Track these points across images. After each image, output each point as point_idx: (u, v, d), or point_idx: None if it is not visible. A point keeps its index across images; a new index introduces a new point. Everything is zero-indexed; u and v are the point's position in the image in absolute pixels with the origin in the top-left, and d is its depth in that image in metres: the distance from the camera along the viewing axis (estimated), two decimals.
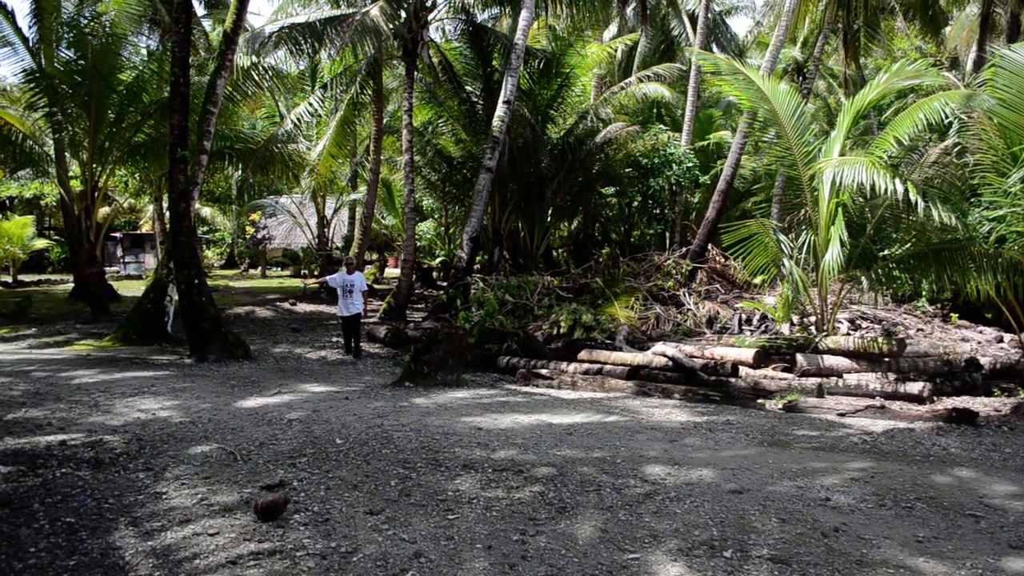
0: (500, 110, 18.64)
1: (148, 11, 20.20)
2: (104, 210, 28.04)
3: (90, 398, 9.16)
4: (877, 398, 10.44)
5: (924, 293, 16.79)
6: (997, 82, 11.23)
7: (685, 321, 15.20)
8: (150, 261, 35.01)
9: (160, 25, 22.19)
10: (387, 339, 16.15)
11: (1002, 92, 11.12)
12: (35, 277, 34.15)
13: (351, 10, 20.20)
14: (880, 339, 11.92)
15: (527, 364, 12.95)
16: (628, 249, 22.67)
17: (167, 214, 17.99)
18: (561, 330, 14.24)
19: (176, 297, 14.69)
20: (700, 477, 6.19)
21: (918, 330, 15.18)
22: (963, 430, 8.74)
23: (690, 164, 21.30)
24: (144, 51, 22.83)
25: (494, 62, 21.81)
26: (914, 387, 10.56)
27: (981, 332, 15.30)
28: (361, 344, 15.17)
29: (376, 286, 26.31)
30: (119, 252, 38.36)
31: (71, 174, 23.26)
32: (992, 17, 26.95)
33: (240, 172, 24.99)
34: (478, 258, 21.71)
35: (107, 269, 27.69)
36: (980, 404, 10.40)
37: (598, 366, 12.32)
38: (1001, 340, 14.53)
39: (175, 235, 13.80)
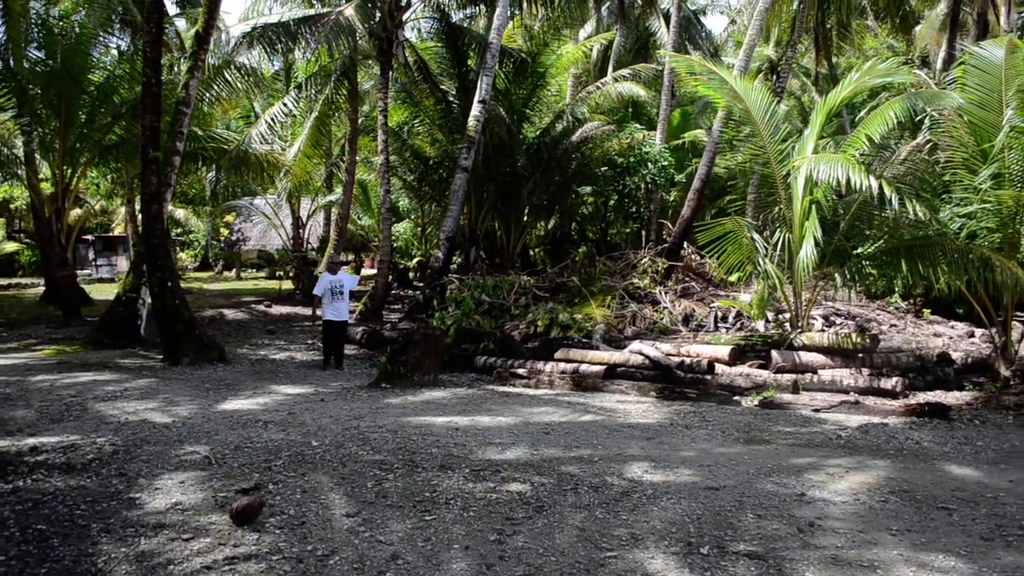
0: (475, 109, 18.61)
1: (119, 10, 19.98)
2: (75, 212, 27.69)
3: (62, 403, 9.04)
4: (851, 394, 10.52)
5: (897, 289, 16.96)
6: (967, 80, 11.40)
7: (661, 319, 15.24)
8: (122, 264, 34.66)
9: (131, 25, 21.96)
10: (363, 340, 16.09)
11: (972, 90, 11.27)
12: (5, 281, 33.72)
13: (325, 9, 20.11)
14: (854, 335, 12.02)
15: (504, 364, 12.94)
16: (604, 248, 22.71)
17: (140, 216, 17.81)
18: (538, 329, 14.23)
19: (149, 300, 14.53)
20: (677, 474, 6.22)
21: (891, 326, 15.34)
22: (936, 424, 8.84)
23: (665, 163, 21.37)
24: (115, 51, 22.62)
25: (470, 62, 21.78)
26: (888, 382, 10.65)
27: (953, 327, 15.48)
28: (344, 356, 13.99)
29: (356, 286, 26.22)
30: (91, 255, 37.98)
31: (41, 176, 22.99)
32: (960, 16, 27.31)
33: (214, 173, 24.81)
34: (455, 258, 21.67)
35: (79, 272, 27.40)
36: (952, 398, 10.53)
37: (575, 365, 12.33)
38: (972, 335, 14.72)
39: (148, 237, 13.66)
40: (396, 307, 22.89)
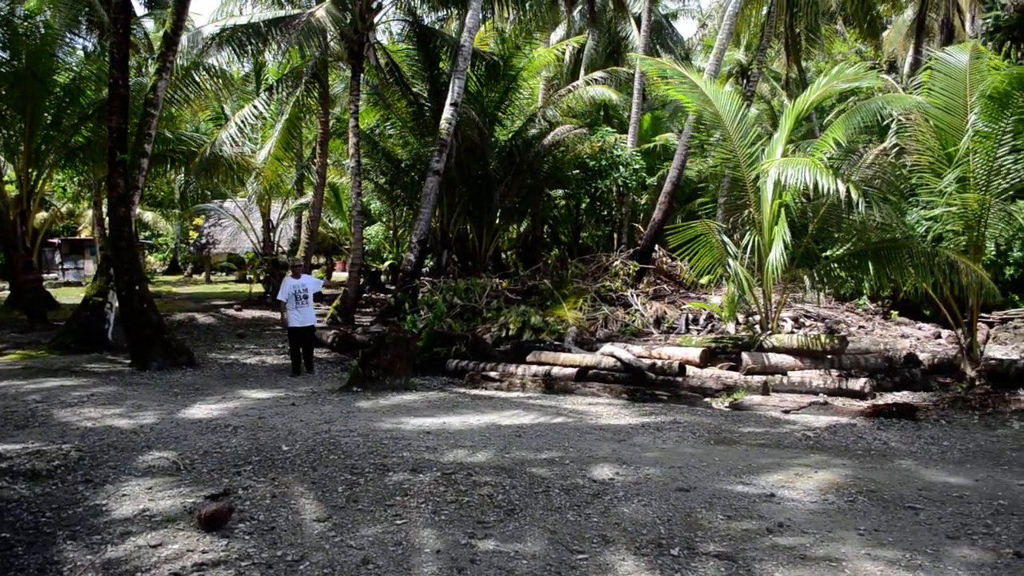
0: (447, 112, 18.58)
1: (85, 11, 19.73)
2: (41, 215, 27.30)
3: (27, 408, 8.91)
4: (820, 395, 10.64)
5: (865, 291, 17.17)
6: (933, 85, 11.54)
7: (633, 321, 15.31)
8: (89, 267, 34.24)
9: (98, 25, 21.70)
10: (335, 344, 16.00)
11: (937, 95, 11.42)
12: None
13: (296, 11, 19.99)
14: (823, 337, 12.15)
15: (476, 367, 12.92)
16: (576, 250, 22.77)
17: (107, 219, 17.60)
18: (510, 332, 14.24)
19: (116, 304, 14.34)
20: (648, 476, 6.24)
21: (860, 327, 15.52)
22: (903, 424, 8.95)
23: (637, 166, 21.47)
24: (82, 52, 22.34)
25: (442, 64, 21.74)
26: (856, 383, 10.77)
27: (920, 328, 15.69)
28: (314, 360, 13.62)
29: (324, 290, 26.06)
30: (57, 259, 37.53)
31: (6, 178, 22.65)
32: (927, 22, 27.74)
33: (183, 176, 24.57)
34: (427, 261, 21.63)
35: (45, 276, 26.97)
36: (919, 399, 10.65)
37: (547, 367, 12.35)
38: (939, 336, 14.92)
39: (115, 240, 13.50)
40: (368, 310, 22.78)
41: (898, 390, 11.25)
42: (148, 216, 40.77)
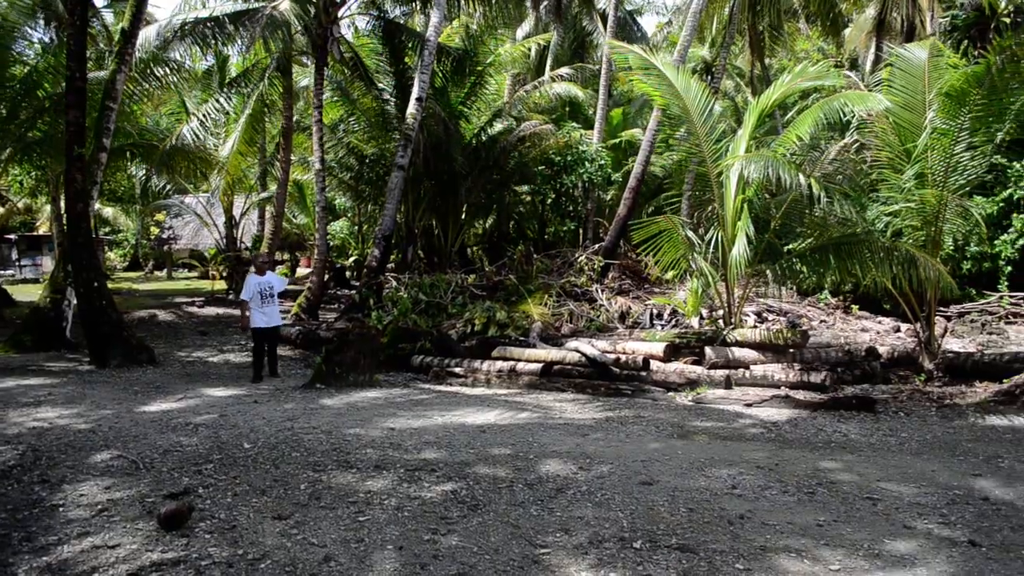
0: (413, 107, 18.49)
1: (41, 2, 19.31)
2: None
3: None
4: (782, 388, 10.75)
5: (827, 286, 17.38)
6: (893, 82, 11.71)
7: (598, 317, 15.37)
8: (47, 264, 33.68)
9: (56, 17, 21.26)
10: (299, 340, 15.86)
11: (897, 92, 11.59)
12: None
13: (259, 4, 19.76)
14: (785, 331, 12.29)
15: (441, 363, 12.89)
16: (542, 246, 22.77)
17: (65, 215, 17.29)
18: (475, 328, 14.21)
19: (75, 301, 14.11)
20: (611, 470, 6.26)
21: (821, 321, 15.71)
22: (862, 417, 9.07)
23: (602, 161, 21.53)
24: (39, 44, 21.85)
25: (407, 59, 21.62)
26: (817, 376, 10.90)
27: (880, 322, 15.93)
28: (279, 364, 12.70)
29: (289, 286, 25.86)
30: (14, 255, 36.85)
31: None
32: (888, 20, 28.10)
33: (144, 171, 24.21)
34: (392, 257, 21.52)
35: (1, 273, 26.49)
36: (879, 391, 10.80)
37: (512, 363, 12.34)
38: (899, 330, 15.14)
39: (73, 236, 13.27)
40: (333, 306, 22.62)
41: (858, 383, 11.39)
42: (108, 211, 40.09)
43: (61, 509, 5.26)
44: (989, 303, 16.75)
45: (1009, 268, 16.99)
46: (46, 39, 21.53)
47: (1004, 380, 10.25)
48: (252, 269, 12.71)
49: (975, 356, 11.65)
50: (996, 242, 16.91)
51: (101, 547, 4.62)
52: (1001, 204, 17.04)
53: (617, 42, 17.46)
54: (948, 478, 6.20)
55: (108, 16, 25.72)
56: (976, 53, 18.26)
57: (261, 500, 5.44)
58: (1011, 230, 16.78)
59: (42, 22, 21.02)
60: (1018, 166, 17.05)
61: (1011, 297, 16.65)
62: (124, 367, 12.58)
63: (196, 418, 8.34)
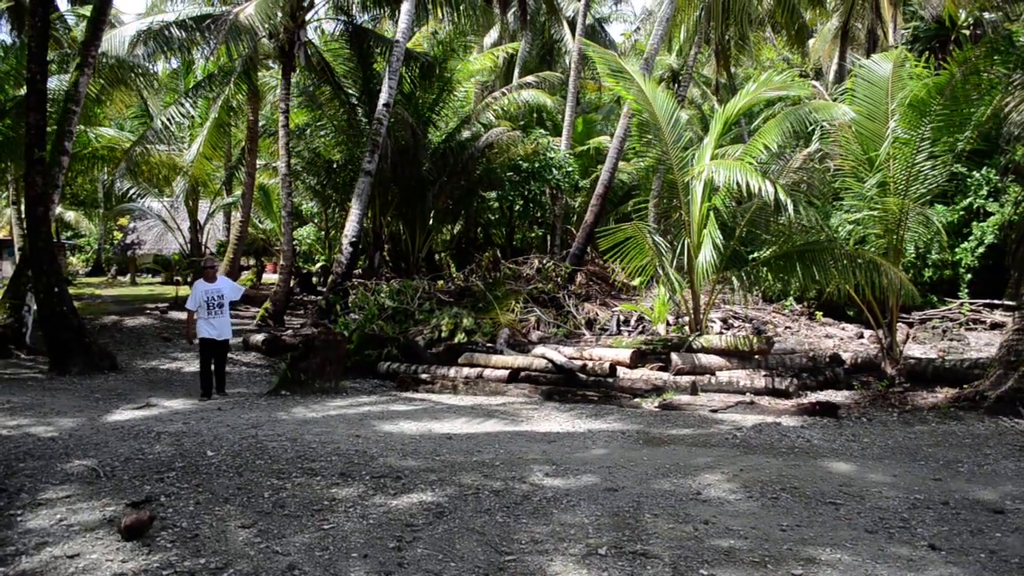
0: (380, 112, 18.42)
1: (3, 6, 19.02)
2: None
3: None
4: (747, 394, 10.83)
5: (791, 293, 17.57)
6: (856, 92, 11.85)
7: (565, 323, 15.39)
8: (7, 269, 33.01)
9: (17, 18, 20.92)
10: (264, 347, 15.70)
11: (860, 102, 11.73)
12: None
13: (225, 8, 19.57)
14: (750, 337, 12.38)
15: (408, 370, 12.83)
16: (510, 252, 22.80)
17: (25, 218, 16.99)
18: (442, 334, 14.16)
19: (35, 307, 13.87)
20: (577, 477, 6.25)
21: (786, 328, 15.87)
22: (826, 423, 9.15)
23: (570, 168, 21.61)
24: None
25: (375, 65, 21.55)
26: (781, 383, 11.00)
27: (844, 329, 16.12)
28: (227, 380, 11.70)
29: (253, 291, 25.59)
30: None
31: None
32: (851, 31, 28.54)
33: (106, 175, 23.87)
34: (359, 262, 21.39)
35: None
36: (842, 397, 10.93)
37: (479, 370, 12.32)
38: (862, 336, 15.34)
39: (33, 241, 13.06)
40: (299, 312, 22.40)
41: (822, 389, 11.52)
42: (70, 215, 39.51)
43: (19, 519, 5.13)
44: (950, 310, 17.03)
45: (969, 276, 17.30)
46: (8, 40, 21.24)
47: (964, 386, 10.40)
48: (202, 275, 11.56)
49: (936, 362, 11.83)
50: (957, 250, 17.21)
51: (61, 557, 4.51)
52: (962, 212, 17.35)
53: (590, 41, 17.51)
54: (909, 483, 6.26)
55: (71, 19, 25.40)
56: (937, 64, 18.58)
57: (224, 508, 5.36)
58: (971, 238, 17.09)
59: (6, 22, 20.74)
60: (978, 175, 17.38)
61: (971, 304, 16.94)
62: (85, 374, 12.40)
63: (159, 425, 8.21)
